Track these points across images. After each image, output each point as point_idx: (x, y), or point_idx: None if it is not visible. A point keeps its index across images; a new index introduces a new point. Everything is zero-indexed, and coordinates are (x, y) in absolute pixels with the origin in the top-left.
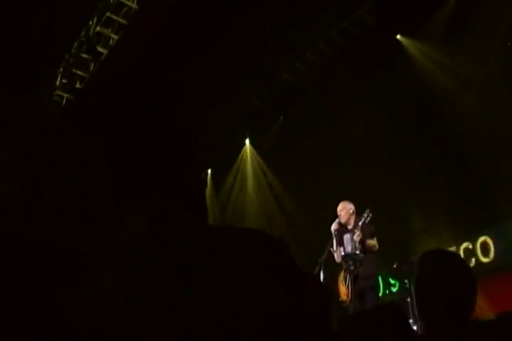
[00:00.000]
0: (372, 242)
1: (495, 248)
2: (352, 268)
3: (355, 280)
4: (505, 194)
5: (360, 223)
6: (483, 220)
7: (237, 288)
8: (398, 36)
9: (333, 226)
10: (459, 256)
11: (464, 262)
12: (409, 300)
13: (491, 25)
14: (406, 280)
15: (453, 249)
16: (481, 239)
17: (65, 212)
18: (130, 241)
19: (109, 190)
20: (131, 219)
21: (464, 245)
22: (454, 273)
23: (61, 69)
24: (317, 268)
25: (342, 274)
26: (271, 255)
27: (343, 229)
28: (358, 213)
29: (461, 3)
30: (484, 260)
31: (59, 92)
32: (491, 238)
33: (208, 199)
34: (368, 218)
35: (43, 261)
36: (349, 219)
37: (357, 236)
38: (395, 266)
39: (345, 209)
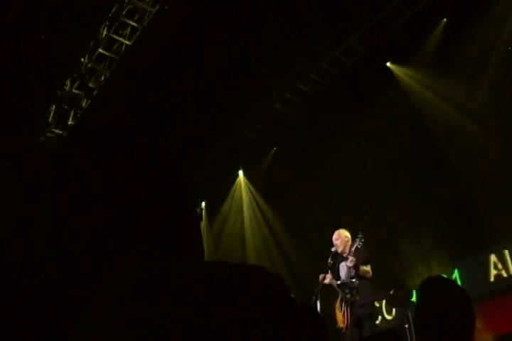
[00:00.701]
0: (366, 269)
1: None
2: (348, 296)
3: (351, 307)
4: (496, 219)
5: (353, 248)
6: (475, 245)
7: (234, 325)
8: (388, 63)
9: (329, 259)
10: (457, 283)
11: (462, 289)
12: (407, 326)
13: (481, 49)
14: (403, 307)
15: (447, 273)
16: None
17: (63, 249)
18: (126, 282)
19: (105, 228)
20: (127, 259)
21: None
22: (454, 300)
23: (53, 106)
24: (313, 298)
25: (338, 302)
26: (266, 291)
27: (338, 258)
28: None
29: (449, 28)
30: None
31: (52, 129)
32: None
33: (203, 232)
34: (361, 242)
35: (42, 300)
36: (345, 247)
37: (350, 261)
38: (391, 293)
39: (340, 238)
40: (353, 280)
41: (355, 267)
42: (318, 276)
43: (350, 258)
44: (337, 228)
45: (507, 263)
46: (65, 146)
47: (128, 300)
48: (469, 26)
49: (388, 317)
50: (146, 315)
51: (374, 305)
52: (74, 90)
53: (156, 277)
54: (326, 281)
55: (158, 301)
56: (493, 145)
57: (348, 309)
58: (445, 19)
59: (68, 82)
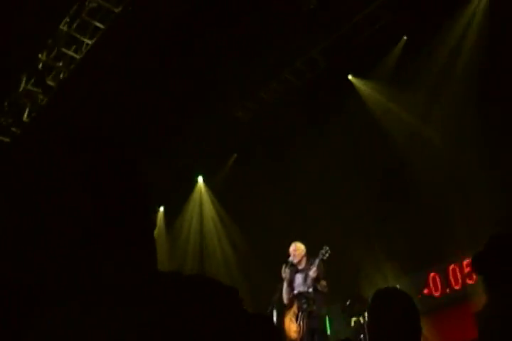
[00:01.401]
0: (324, 283)
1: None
2: (305, 306)
3: (308, 318)
4: (448, 233)
5: (317, 260)
6: (428, 258)
7: (187, 338)
8: (350, 76)
9: (284, 267)
10: (407, 294)
11: (411, 300)
12: (362, 336)
13: (442, 61)
14: (359, 317)
15: (399, 284)
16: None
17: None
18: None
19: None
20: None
21: (409, 280)
22: (402, 310)
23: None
24: (270, 308)
25: (291, 312)
26: (219, 303)
27: (294, 269)
28: (309, 253)
29: (411, 41)
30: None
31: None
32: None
33: (160, 238)
34: (327, 254)
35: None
36: (301, 259)
37: (313, 272)
38: (348, 303)
39: (299, 250)
40: (310, 290)
41: (317, 279)
42: (275, 286)
43: (314, 268)
44: (293, 240)
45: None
46: (19, 148)
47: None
48: (428, 44)
49: (346, 327)
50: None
51: (326, 318)
52: (30, 86)
53: (104, 288)
54: (286, 301)
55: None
56: (448, 157)
57: (304, 320)
58: (405, 37)
59: (24, 78)
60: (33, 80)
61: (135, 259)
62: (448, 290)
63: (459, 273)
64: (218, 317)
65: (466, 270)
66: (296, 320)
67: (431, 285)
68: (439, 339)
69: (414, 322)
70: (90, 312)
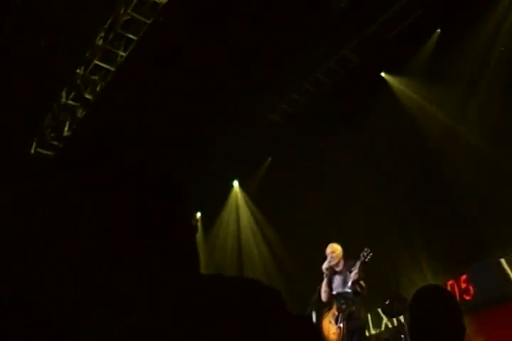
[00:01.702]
0: (364, 285)
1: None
2: (344, 306)
3: (347, 320)
4: (487, 232)
5: (358, 262)
6: (467, 257)
7: (232, 338)
8: (382, 73)
9: (324, 266)
10: (450, 292)
11: (454, 298)
12: (403, 336)
13: (475, 58)
14: (399, 317)
15: (440, 282)
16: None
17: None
18: (121, 298)
19: (98, 243)
20: (122, 275)
21: (450, 281)
22: (445, 309)
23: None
24: (309, 308)
25: (331, 313)
26: (262, 304)
27: (332, 270)
28: (347, 254)
29: (443, 39)
30: (466, 297)
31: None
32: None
33: (198, 244)
34: (368, 257)
35: (39, 319)
36: (339, 261)
37: (355, 274)
38: (387, 303)
39: (337, 251)
40: (349, 290)
41: (357, 281)
42: (313, 287)
43: (356, 271)
44: (330, 241)
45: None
46: (56, 166)
47: (127, 312)
48: (463, 36)
49: (385, 326)
50: (145, 327)
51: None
52: (69, 101)
53: (153, 291)
54: (325, 299)
55: (157, 313)
56: (486, 155)
57: (344, 321)
58: (439, 30)
59: (64, 93)
60: (72, 95)
61: (180, 263)
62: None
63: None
64: (264, 318)
65: (463, 285)
66: (336, 322)
67: None
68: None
69: (457, 321)
70: (136, 316)
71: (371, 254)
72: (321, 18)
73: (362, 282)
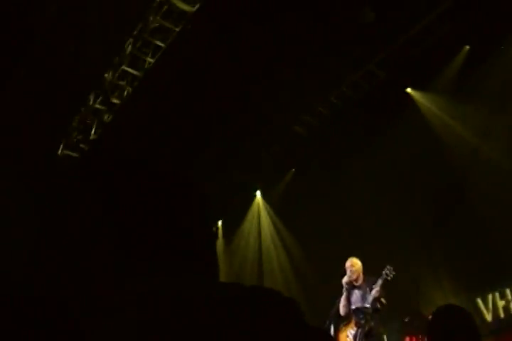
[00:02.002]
0: (384, 301)
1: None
2: (363, 321)
3: (366, 334)
4: (510, 252)
5: (380, 280)
6: (489, 276)
7: None
8: (408, 89)
9: (345, 280)
10: (468, 312)
11: (472, 318)
12: None
13: (504, 75)
14: (418, 335)
15: (463, 302)
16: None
17: (75, 271)
18: (140, 305)
19: (117, 248)
20: (140, 280)
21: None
22: (463, 328)
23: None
24: (328, 322)
25: (349, 327)
26: (280, 314)
27: (351, 284)
28: (367, 268)
29: (472, 54)
30: (488, 318)
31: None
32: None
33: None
34: (391, 275)
35: (50, 318)
36: (358, 276)
37: (376, 291)
38: (406, 320)
39: (356, 266)
40: (367, 305)
41: (379, 299)
42: (332, 300)
43: (377, 288)
44: (350, 254)
45: None
46: (79, 170)
47: (144, 320)
48: (492, 54)
49: None
50: (163, 334)
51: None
52: (97, 105)
53: (171, 297)
54: (343, 314)
55: (173, 321)
56: (510, 173)
57: (363, 336)
58: (468, 46)
59: (91, 97)
60: (100, 99)
61: (199, 271)
62: None
63: None
64: (281, 328)
65: None
66: (354, 337)
67: None
68: None
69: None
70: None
71: (394, 273)
72: (348, 32)
73: (383, 299)
